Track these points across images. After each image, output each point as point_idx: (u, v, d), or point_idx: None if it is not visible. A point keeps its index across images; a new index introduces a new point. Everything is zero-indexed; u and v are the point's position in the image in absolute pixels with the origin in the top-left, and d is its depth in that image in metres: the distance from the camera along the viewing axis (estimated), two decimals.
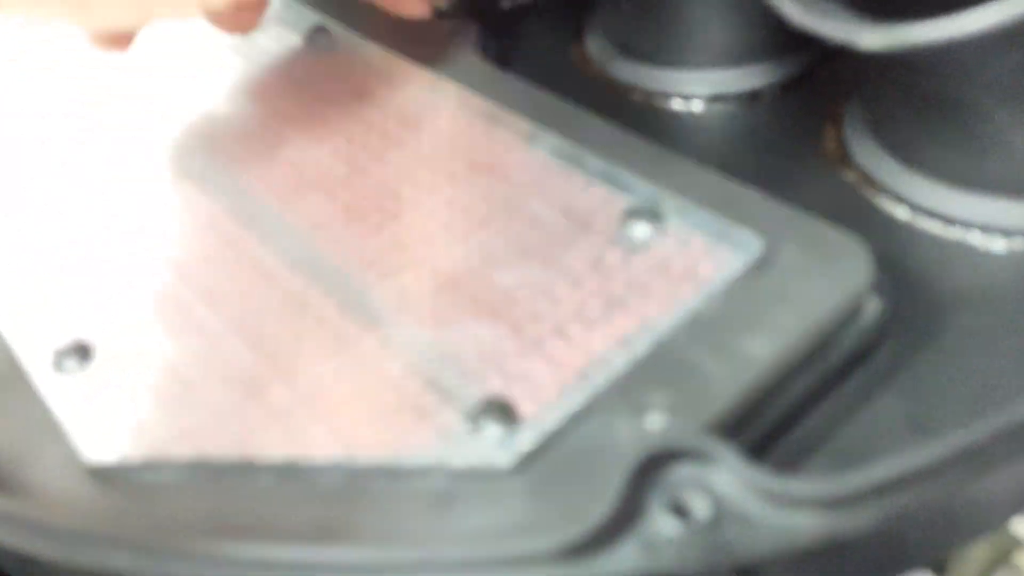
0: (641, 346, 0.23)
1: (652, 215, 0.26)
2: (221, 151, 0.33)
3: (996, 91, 0.26)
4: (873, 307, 0.26)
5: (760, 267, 0.24)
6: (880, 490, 0.20)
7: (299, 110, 0.34)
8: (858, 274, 0.24)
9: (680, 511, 0.20)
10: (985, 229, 0.28)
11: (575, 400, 0.22)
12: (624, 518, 0.20)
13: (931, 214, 0.29)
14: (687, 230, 0.25)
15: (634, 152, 0.28)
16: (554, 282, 0.25)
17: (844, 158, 0.32)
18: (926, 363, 0.25)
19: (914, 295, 0.28)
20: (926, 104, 0.28)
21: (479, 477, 0.22)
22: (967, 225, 0.28)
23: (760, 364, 0.22)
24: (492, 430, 0.22)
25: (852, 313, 0.24)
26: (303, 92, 0.35)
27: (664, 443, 0.20)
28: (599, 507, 0.20)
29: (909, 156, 0.30)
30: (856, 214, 0.28)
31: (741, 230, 0.25)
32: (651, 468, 0.20)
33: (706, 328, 0.23)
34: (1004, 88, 0.26)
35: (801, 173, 0.32)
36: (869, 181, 0.31)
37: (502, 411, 0.22)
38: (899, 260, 0.28)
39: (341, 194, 0.30)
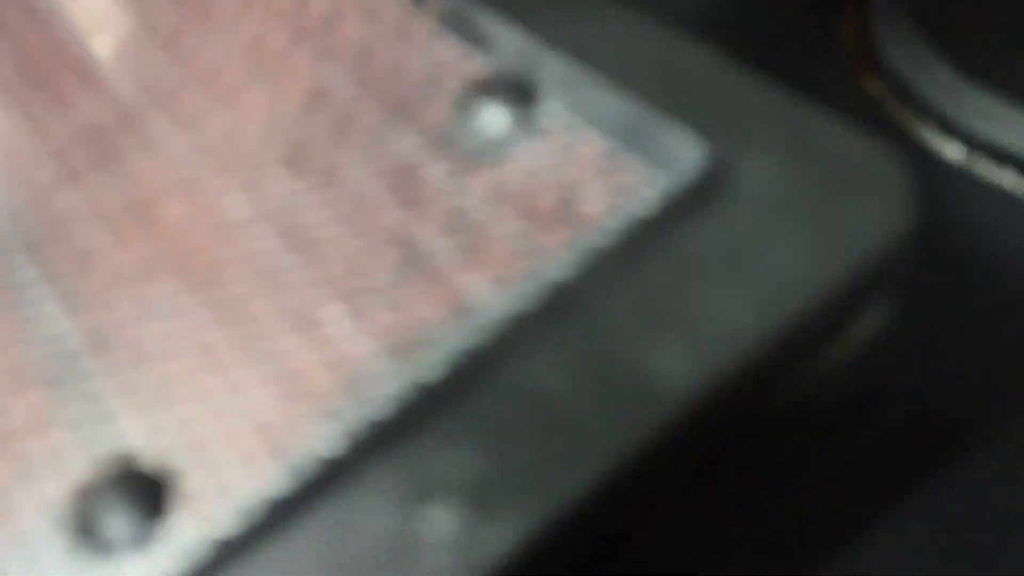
0: (438, 357, 0.12)
1: (518, 94, 0.14)
2: None
3: None
4: (900, 302, 0.14)
5: (702, 202, 0.13)
6: None
7: None
8: (886, 228, 0.12)
9: None
10: None
11: (296, 473, 0.11)
12: None
13: (1002, 155, 0.17)
14: (577, 125, 0.14)
15: None
16: (321, 224, 0.14)
17: (867, 57, 0.20)
18: (992, 421, 0.14)
19: (970, 286, 0.16)
20: None
21: None
22: None
23: (680, 397, 0.11)
24: (119, 525, 0.11)
25: (870, 309, 0.13)
26: None
27: None
28: None
29: (972, 61, 0.18)
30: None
31: (671, 128, 0.13)
32: None
33: (586, 325, 0.12)
34: None
35: (797, 73, 0.20)
36: (903, 96, 0.19)
37: (139, 490, 0.11)
38: (948, 228, 0.17)
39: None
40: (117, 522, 0.10)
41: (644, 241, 0.12)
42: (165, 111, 0.15)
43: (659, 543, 0.12)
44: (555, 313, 0.11)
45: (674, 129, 0.13)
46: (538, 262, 0.12)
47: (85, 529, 0.11)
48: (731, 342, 0.11)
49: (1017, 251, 0.17)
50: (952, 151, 0.18)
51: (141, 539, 0.11)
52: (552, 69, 0.14)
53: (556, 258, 0.12)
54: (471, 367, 0.11)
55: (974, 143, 0.18)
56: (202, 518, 0.10)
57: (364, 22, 0.16)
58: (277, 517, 0.10)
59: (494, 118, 0.14)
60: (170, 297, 0.13)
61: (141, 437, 0.11)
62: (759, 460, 0.13)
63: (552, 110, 0.14)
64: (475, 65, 0.15)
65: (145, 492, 0.11)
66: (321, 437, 0.11)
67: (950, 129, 0.18)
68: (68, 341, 0.13)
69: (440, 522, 0.10)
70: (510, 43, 0.15)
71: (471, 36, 0.15)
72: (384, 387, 0.11)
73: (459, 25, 0.16)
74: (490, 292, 0.12)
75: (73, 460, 0.11)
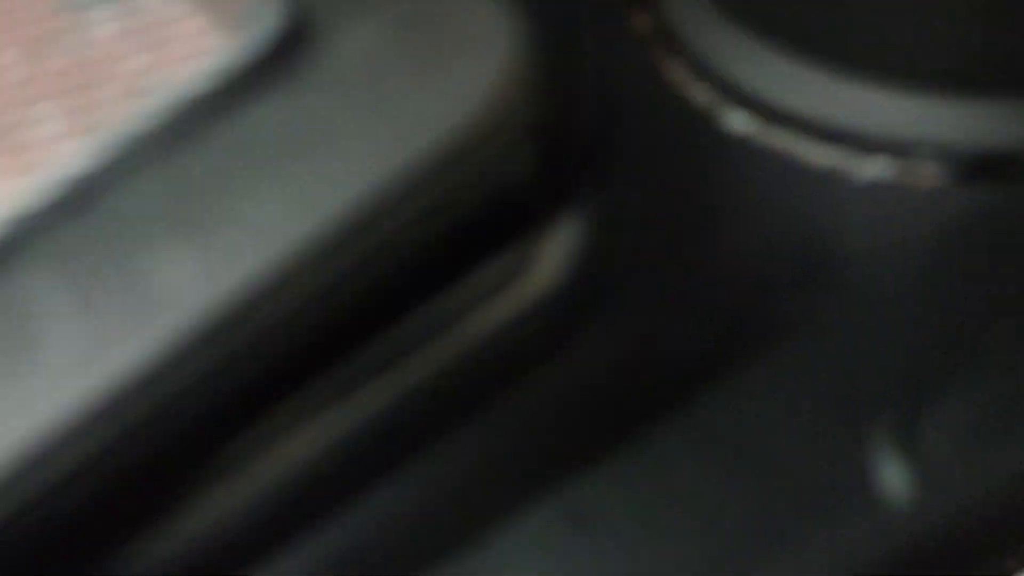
0: None
1: None
2: None
3: None
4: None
5: (273, 75, 0.10)
6: None
7: None
8: (489, 104, 0.10)
9: None
10: (865, 144, 0.14)
11: None
12: None
13: (759, 104, 0.15)
14: None
15: None
16: None
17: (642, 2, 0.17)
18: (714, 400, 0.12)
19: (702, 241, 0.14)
20: None
21: None
22: (822, 133, 0.14)
23: (183, 319, 0.09)
24: None
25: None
26: None
27: None
28: None
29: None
30: (625, 87, 0.15)
31: None
32: None
33: (95, 229, 0.10)
34: None
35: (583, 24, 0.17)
36: (662, 36, 0.16)
37: None
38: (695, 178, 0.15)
39: None
40: None
41: (189, 125, 0.10)
42: None
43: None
44: (62, 215, 0.09)
45: None
46: (62, 152, 0.10)
47: None
48: (262, 249, 0.09)
49: (767, 207, 0.14)
50: (701, 96, 0.16)
51: None
52: None
53: (80, 147, 0.10)
54: None
55: (729, 91, 0.15)
56: None
57: None
58: None
59: None
60: None
61: None
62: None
63: None
64: None
65: None
66: None
67: (701, 73, 0.16)
68: None
69: None
70: None
71: None
72: None
73: None
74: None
75: None
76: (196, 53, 0.10)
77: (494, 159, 0.10)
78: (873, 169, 0.14)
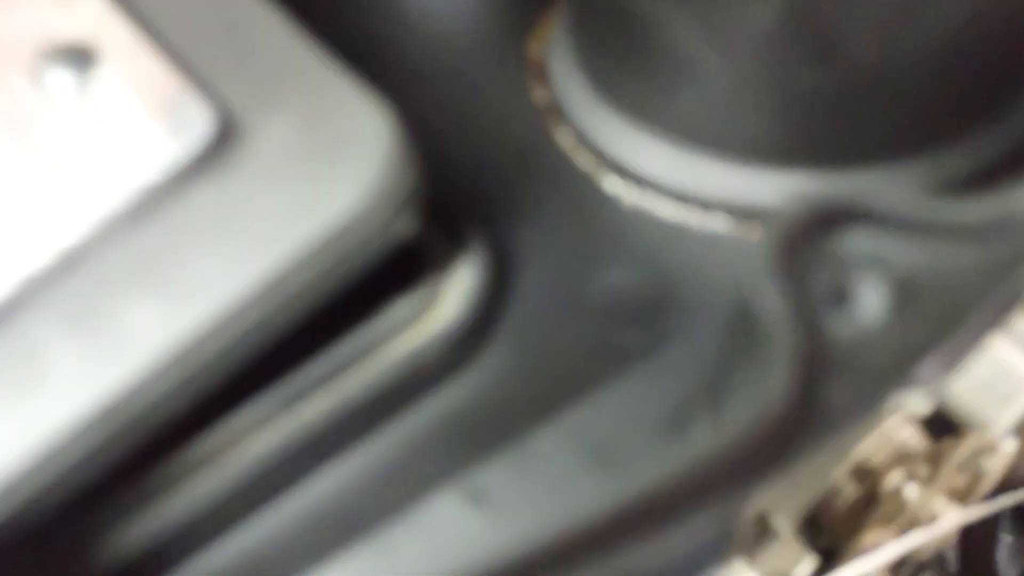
0: None
1: (81, 59, 0.15)
2: None
3: None
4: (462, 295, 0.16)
5: (207, 167, 0.13)
6: None
7: None
8: (364, 191, 0.13)
9: None
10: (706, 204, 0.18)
11: None
12: None
13: (627, 170, 0.18)
14: (124, 91, 0.14)
15: None
16: None
17: (542, 70, 0.20)
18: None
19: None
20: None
21: None
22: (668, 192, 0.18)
23: (151, 348, 0.12)
24: None
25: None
26: None
27: None
28: None
29: (599, 79, 0.19)
30: (525, 151, 0.19)
31: (192, 97, 0.14)
32: None
33: (84, 284, 0.13)
34: None
35: (474, 75, 0.21)
36: (556, 109, 0.20)
37: None
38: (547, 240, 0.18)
39: None
40: None
41: (148, 206, 0.13)
42: None
43: None
44: (56, 275, 0.12)
45: (193, 98, 0.13)
46: (48, 229, 0.13)
47: None
48: (207, 298, 0.12)
49: (630, 255, 0.18)
50: (584, 163, 0.19)
51: None
52: (116, 33, 0.15)
53: (62, 226, 0.13)
54: None
55: (605, 155, 0.19)
56: None
57: None
58: None
59: (56, 83, 0.14)
60: None
61: None
62: None
63: (109, 75, 0.14)
64: (54, 27, 0.15)
65: None
66: None
67: (584, 142, 0.19)
68: None
69: None
70: (84, 4, 0.15)
71: None
72: None
73: None
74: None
75: None
76: (148, 149, 0.13)
77: (383, 224, 0.13)
78: (712, 224, 0.17)
